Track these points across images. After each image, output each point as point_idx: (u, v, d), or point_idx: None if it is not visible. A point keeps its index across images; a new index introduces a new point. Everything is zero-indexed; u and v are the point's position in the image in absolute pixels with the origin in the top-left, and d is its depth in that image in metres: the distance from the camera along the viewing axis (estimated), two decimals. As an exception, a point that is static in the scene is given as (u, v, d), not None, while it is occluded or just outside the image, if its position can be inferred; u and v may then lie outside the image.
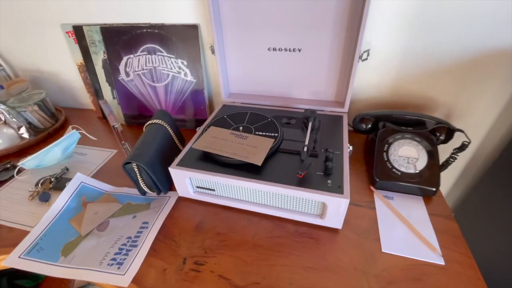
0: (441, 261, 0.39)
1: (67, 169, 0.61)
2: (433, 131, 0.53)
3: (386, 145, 0.52)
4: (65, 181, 0.57)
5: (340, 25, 0.51)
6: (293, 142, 0.51)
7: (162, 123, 0.57)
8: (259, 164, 0.44)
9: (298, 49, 0.56)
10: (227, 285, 0.38)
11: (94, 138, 0.67)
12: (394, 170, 0.50)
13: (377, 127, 0.56)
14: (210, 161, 0.47)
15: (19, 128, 0.69)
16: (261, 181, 0.43)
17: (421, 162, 0.49)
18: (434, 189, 0.48)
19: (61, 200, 0.51)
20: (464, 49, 0.52)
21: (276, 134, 0.51)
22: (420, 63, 0.55)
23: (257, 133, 0.52)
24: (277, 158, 0.47)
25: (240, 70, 0.63)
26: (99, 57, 0.69)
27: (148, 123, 0.56)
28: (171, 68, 0.65)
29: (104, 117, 0.80)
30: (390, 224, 0.45)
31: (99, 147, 0.68)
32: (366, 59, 0.55)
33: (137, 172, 0.49)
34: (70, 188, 0.52)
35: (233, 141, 0.49)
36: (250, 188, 0.45)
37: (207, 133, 0.51)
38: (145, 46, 0.64)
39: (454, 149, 0.53)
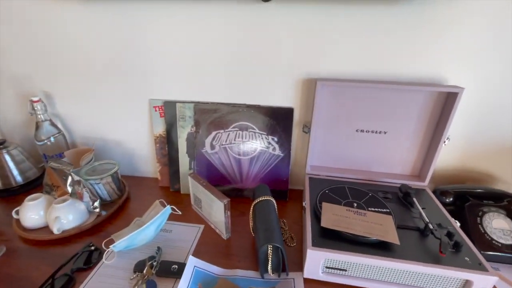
0: None
1: (160, 249, 0.57)
2: (510, 204, 0.61)
3: (479, 218, 0.58)
4: (167, 264, 0.52)
5: (425, 115, 0.62)
6: (403, 217, 0.55)
7: (270, 198, 0.58)
8: (398, 243, 0.47)
9: (384, 131, 0.65)
10: None
11: (180, 212, 0.64)
12: (494, 241, 0.55)
13: (456, 201, 0.63)
14: (336, 239, 0.49)
15: (93, 202, 0.65)
16: (400, 260, 0.45)
17: (515, 233, 0.56)
18: (533, 259, 0.53)
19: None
20: (516, 136, 0.65)
21: (387, 210, 0.55)
22: (484, 145, 0.67)
23: (369, 209, 0.55)
24: (402, 236, 0.50)
25: (326, 147, 0.70)
26: (185, 130, 0.71)
27: (260, 199, 0.57)
28: (261, 143, 0.70)
29: (173, 188, 0.78)
30: (515, 297, 0.48)
31: (180, 221, 0.66)
32: (446, 144, 0.66)
33: (269, 253, 0.48)
34: (187, 275, 0.49)
35: (355, 219, 0.52)
36: (386, 267, 0.46)
37: (326, 211, 0.54)
38: (237, 124, 0.69)
39: None
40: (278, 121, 0.68)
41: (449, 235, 0.50)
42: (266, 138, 0.69)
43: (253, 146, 0.70)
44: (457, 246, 0.47)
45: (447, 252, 0.46)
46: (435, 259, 0.45)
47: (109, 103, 0.76)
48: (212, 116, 0.70)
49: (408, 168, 0.68)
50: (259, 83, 0.68)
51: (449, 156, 0.70)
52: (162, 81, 0.71)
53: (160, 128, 0.74)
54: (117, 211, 0.69)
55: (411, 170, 0.68)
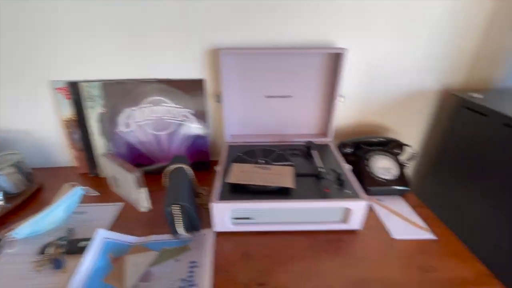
0: (433, 236, 0.54)
1: (71, 229, 0.56)
2: (392, 148, 0.73)
3: (367, 160, 0.68)
4: (76, 242, 0.52)
5: (321, 77, 0.69)
6: (307, 168, 0.62)
7: (183, 166, 0.60)
8: (293, 186, 0.53)
9: (290, 95, 0.71)
10: (296, 294, 0.43)
11: (98, 193, 0.63)
12: (377, 178, 0.66)
13: (354, 151, 0.73)
14: (242, 192, 0.53)
15: (-7, 195, 0.60)
16: (296, 200, 0.51)
17: (395, 170, 0.67)
18: (408, 188, 0.65)
19: (88, 261, 0.47)
20: (402, 91, 0.76)
21: (290, 163, 0.62)
22: (375, 101, 0.78)
23: (274, 163, 0.61)
24: (300, 182, 0.57)
25: (241, 115, 0.74)
26: (95, 111, 0.69)
27: (172, 168, 0.59)
28: (177, 117, 0.71)
29: (92, 173, 0.75)
30: (388, 218, 0.59)
31: (98, 202, 0.64)
32: (343, 101, 0.74)
33: (177, 214, 0.50)
34: (94, 247, 0.49)
35: (259, 172, 0.57)
36: (286, 208, 0.53)
37: (233, 170, 0.58)
38: (150, 99, 0.69)
39: (407, 159, 0.74)
40: (191, 93, 0.70)
41: (338, 176, 0.58)
42: (181, 111, 0.71)
43: (170, 120, 0.71)
44: (341, 184, 0.55)
45: (333, 189, 0.54)
46: (323, 196, 0.53)
47: (5, 89, 0.69)
48: (122, 94, 0.68)
49: (315, 127, 0.76)
50: (165, 56, 0.68)
51: (349, 113, 0.79)
52: (62, 60, 0.67)
53: (68, 112, 0.70)
54: (26, 202, 0.64)
55: (317, 129, 0.76)
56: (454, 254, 0.50)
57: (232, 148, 0.71)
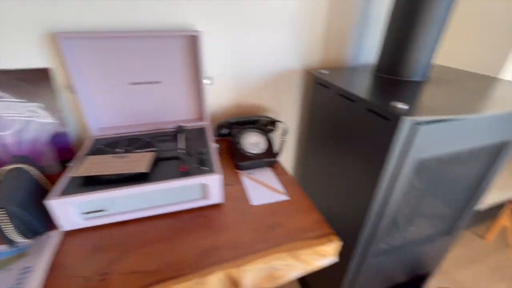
0: (287, 198, 0.61)
1: None
2: (265, 125, 0.79)
3: (238, 138, 0.72)
4: None
5: (186, 61, 0.69)
6: (171, 152, 0.62)
7: (23, 166, 0.53)
8: (145, 170, 0.52)
9: (157, 81, 0.70)
10: (140, 276, 0.43)
11: None
12: (247, 153, 0.70)
13: (231, 131, 0.76)
14: (96, 184, 0.50)
15: None
16: (150, 183, 0.51)
17: (263, 144, 0.72)
18: (275, 159, 0.71)
19: None
20: (271, 71, 0.82)
21: (154, 148, 0.61)
22: (248, 83, 0.82)
23: (136, 151, 0.59)
24: (160, 166, 0.56)
25: (105, 106, 0.69)
26: None
27: (5, 170, 0.52)
28: (21, 113, 0.62)
29: None
30: (253, 188, 0.64)
31: None
32: (210, 83, 0.76)
33: (3, 219, 0.44)
34: None
35: (115, 162, 0.54)
36: (139, 193, 0.52)
37: (85, 162, 0.54)
38: (-21, 94, 0.58)
39: (282, 134, 0.81)
40: (37, 85, 0.62)
41: (200, 156, 0.59)
42: (27, 106, 0.62)
43: (12, 117, 0.62)
44: (202, 163, 0.57)
45: (193, 168, 0.55)
46: (178, 176, 0.53)
47: None
48: None
49: (190, 112, 0.76)
50: (-7, 43, 0.58)
51: (225, 96, 0.82)
52: None
53: None
54: None
55: (192, 113, 0.77)
56: (300, 210, 0.57)
57: (98, 141, 0.66)
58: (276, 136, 0.93)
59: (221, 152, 0.77)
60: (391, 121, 0.52)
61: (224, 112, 0.84)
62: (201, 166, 0.57)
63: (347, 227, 0.73)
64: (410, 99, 0.58)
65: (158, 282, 0.42)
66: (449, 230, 0.86)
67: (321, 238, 0.51)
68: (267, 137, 0.74)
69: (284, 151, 1.01)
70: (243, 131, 0.74)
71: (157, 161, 0.58)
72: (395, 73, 0.72)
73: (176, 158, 0.59)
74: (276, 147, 0.74)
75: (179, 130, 0.66)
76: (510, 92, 0.65)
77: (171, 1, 0.65)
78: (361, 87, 0.65)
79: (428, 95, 0.62)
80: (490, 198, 1.36)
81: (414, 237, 0.85)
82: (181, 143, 0.62)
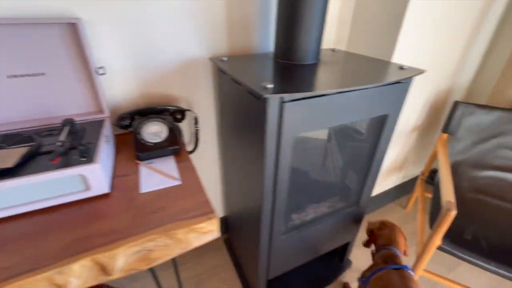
0: (179, 183, 0.62)
1: None
2: (172, 114, 0.79)
3: (138, 129, 0.71)
4: None
5: (70, 52, 0.66)
6: (51, 146, 0.59)
7: None
8: (11, 165, 0.49)
9: (41, 73, 0.66)
10: (-10, 273, 0.41)
11: None
12: (147, 143, 0.70)
13: (132, 122, 0.75)
14: None
15: None
16: (16, 178, 0.48)
17: (165, 133, 0.72)
18: (177, 147, 0.72)
19: None
20: (175, 60, 0.82)
21: (32, 143, 0.58)
22: (152, 73, 0.81)
23: (11, 147, 0.56)
24: (35, 161, 0.54)
25: (-18, 101, 0.64)
26: None
27: None
28: None
29: None
30: (148, 176, 0.64)
31: None
32: (104, 73, 0.74)
33: None
34: None
35: (-23, 159, 0.51)
36: (6, 189, 0.49)
37: None
38: None
39: (194, 122, 0.81)
40: None
41: (83, 148, 0.57)
42: None
43: None
44: (81, 153, 0.55)
45: (73, 160, 0.54)
46: (48, 168, 0.51)
47: None
48: None
49: (87, 104, 0.74)
50: None
51: (128, 86, 0.80)
52: None
53: None
54: None
55: (90, 106, 0.74)
56: (188, 194, 0.59)
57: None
58: (190, 126, 0.94)
59: (125, 143, 0.76)
60: (261, 100, 0.55)
61: (130, 103, 0.83)
62: (81, 157, 0.55)
63: (255, 205, 0.77)
64: (288, 80, 0.62)
65: (12, 276, 0.41)
66: (356, 201, 0.94)
67: (199, 217, 0.53)
68: (169, 126, 0.74)
69: (208, 139, 1.02)
70: (144, 121, 0.73)
71: (32, 156, 0.55)
72: (288, 57, 0.77)
73: (53, 152, 0.57)
74: (183, 136, 0.74)
75: (65, 123, 0.64)
76: (385, 71, 0.72)
77: (45, -13, 0.61)
78: (251, 72, 0.68)
79: (310, 76, 0.66)
80: (407, 172, 1.52)
81: (324, 211, 0.92)
82: (63, 136, 0.60)
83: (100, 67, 0.70)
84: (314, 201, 0.95)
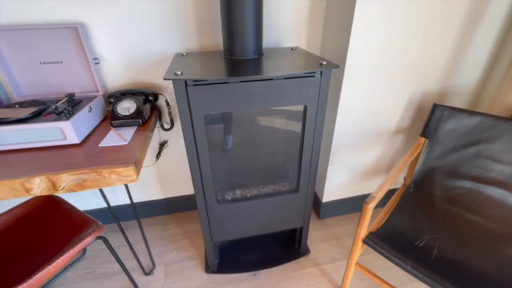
0: (125, 143, 0.84)
1: None
2: (147, 96, 1.03)
3: (115, 104, 0.97)
4: None
5: (76, 47, 0.96)
6: (54, 109, 0.88)
7: (-45, 113, 0.84)
8: (22, 116, 0.79)
9: (60, 61, 0.97)
10: (-6, 174, 0.70)
11: None
12: (119, 115, 0.95)
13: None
14: None
15: None
16: (19, 124, 0.78)
17: (133, 109, 0.96)
18: (138, 120, 0.95)
19: None
20: (155, 54, 1.05)
21: (42, 106, 0.88)
22: (140, 65, 1.06)
23: (29, 107, 0.87)
24: (40, 117, 0.83)
25: (24, 79, 0.98)
26: None
27: None
28: (-33, 82, 0.93)
29: None
30: (110, 137, 0.88)
31: None
32: (99, 63, 1.02)
33: None
34: None
35: (9, 112, 0.83)
36: (11, 130, 0.79)
37: (-10, 111, 0.83)
38: None
39: (167, 106, 1.04)
40: (-24, 63, 0.92)
41: (70, 110, 0.85)
42: (-30, 77, 0.93)
43: (-38, 85, 0.93)
44: (67, 115, 0.83)
45: (59, 117, 0.82)
46: (41, 121, 0.80)
47: None
48: None
49: (89, 85, 1.03)
50: None
51: (120, 74, 1.07)
52: None
53: None
54: None
55: (91, 87, 1.03)
56: (126, 150, 0.81)
57: (14, 104, 0.96)
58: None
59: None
60: (177, 85, 0.73)
61: (122, 87, 1.10)
62: (65, 117, 0.83)
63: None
64: (208, 70, 0.77)
65: (1, 178, 0.69)
66: (296, 188, 1.02)
67: (120, 164, 0.74)
68: (138, 104, 0.98)
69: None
70: (121, 99, 0.98)
71: (39, 113, 0.85)
72: (231, 53, 0.91)
73: (53, 112, 0.86)
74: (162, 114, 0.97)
75: (67, 96, 0.93)
76: (306, 66, 0.80)
77: (65, 3, 0.91)
78: (189, 64, 0.86)
79: (234, 68, 0.80)
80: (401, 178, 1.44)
81: (263, 191, 1.03)
82: (61, 104, 0.89)
83: (95, 58, 0.98)
84: (254, 181, 1.07)
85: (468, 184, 1.03)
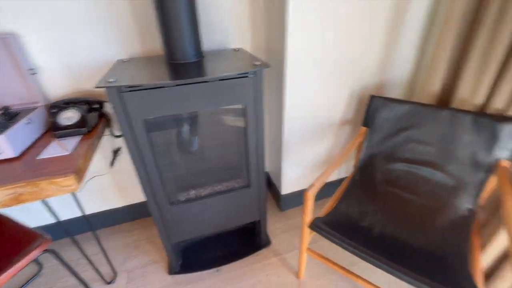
0: (67, 153, 0.83)
1: None
2: (91, 104, 1.02)
3: (57, 115, 0.95)
4: None
5: (8, 57, 0.92)
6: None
7: None
8: None
9: (-8, 74, 0.93)
10: None
11: None
12: (62, 125, 0.93)
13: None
14: None
15: None
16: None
17: (76, 118, 0.95)
18: (84, 129, 0.94)
19: None
20: (97, 61, 1.04)
21: (-26, 121, 0.84)
22: (82, 73, 1.05)
23: (-41, 123, 0.83)
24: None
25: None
26: None
27: None
28: None
29: None
30: (51, 148, 0.87)
31: None
32: (36, 73, 0.99)
33: None
34: None
35: None
36: None
37: None
38: None
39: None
40: None
41: (5, 123, 0.83)
42: None
43: None
44: (1, 129, 0.81)
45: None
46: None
47: None
48: None
49: (27, 96, 1.00)
50: None
51: (62, 83, 1.05)
52: None
53: None
54: None
55: (30, 97, 1.00)
56: (68, 160, 0.80)
57: None
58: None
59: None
60: (110, 92, 0.74)
61: (65, 96, 1.08)
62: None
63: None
64: (143, 76, 0.79)
65: None
66: (247, 184, 1.07)
67: (60, 175, 0.73)
68: (82, 113, 0.97)
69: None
70: (63, 109, 0.97)
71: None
72: (171, 58, 0.94)
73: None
74: (94, 120, 0.97)
75: (2, 109, 0.90)
76: (239, 67, 0.84)
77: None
78: (126, 70, 0.87)
79: (170, 72, 0.83)
80: (349, 167, 1.55)
81: (215, 189, 1.06)
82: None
83: (31, 69, 0.96)
84: (208, 181, 1.11)
85: (403, 166, 1.14)
